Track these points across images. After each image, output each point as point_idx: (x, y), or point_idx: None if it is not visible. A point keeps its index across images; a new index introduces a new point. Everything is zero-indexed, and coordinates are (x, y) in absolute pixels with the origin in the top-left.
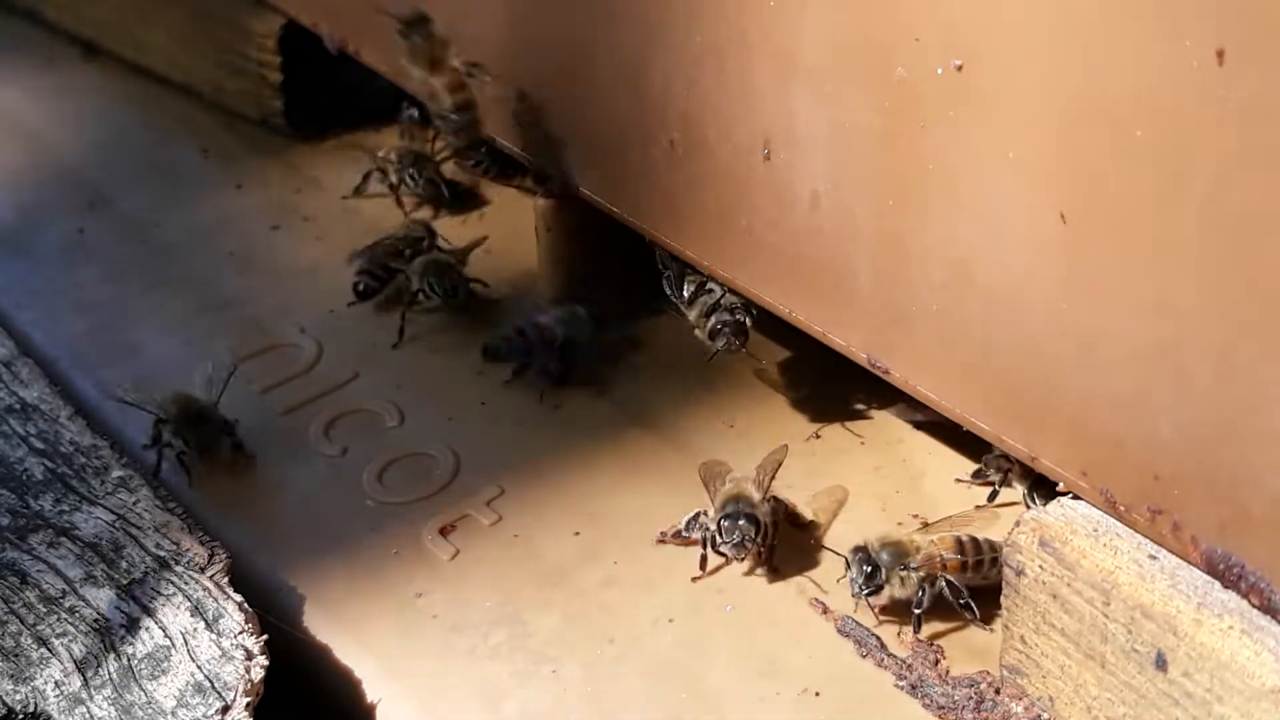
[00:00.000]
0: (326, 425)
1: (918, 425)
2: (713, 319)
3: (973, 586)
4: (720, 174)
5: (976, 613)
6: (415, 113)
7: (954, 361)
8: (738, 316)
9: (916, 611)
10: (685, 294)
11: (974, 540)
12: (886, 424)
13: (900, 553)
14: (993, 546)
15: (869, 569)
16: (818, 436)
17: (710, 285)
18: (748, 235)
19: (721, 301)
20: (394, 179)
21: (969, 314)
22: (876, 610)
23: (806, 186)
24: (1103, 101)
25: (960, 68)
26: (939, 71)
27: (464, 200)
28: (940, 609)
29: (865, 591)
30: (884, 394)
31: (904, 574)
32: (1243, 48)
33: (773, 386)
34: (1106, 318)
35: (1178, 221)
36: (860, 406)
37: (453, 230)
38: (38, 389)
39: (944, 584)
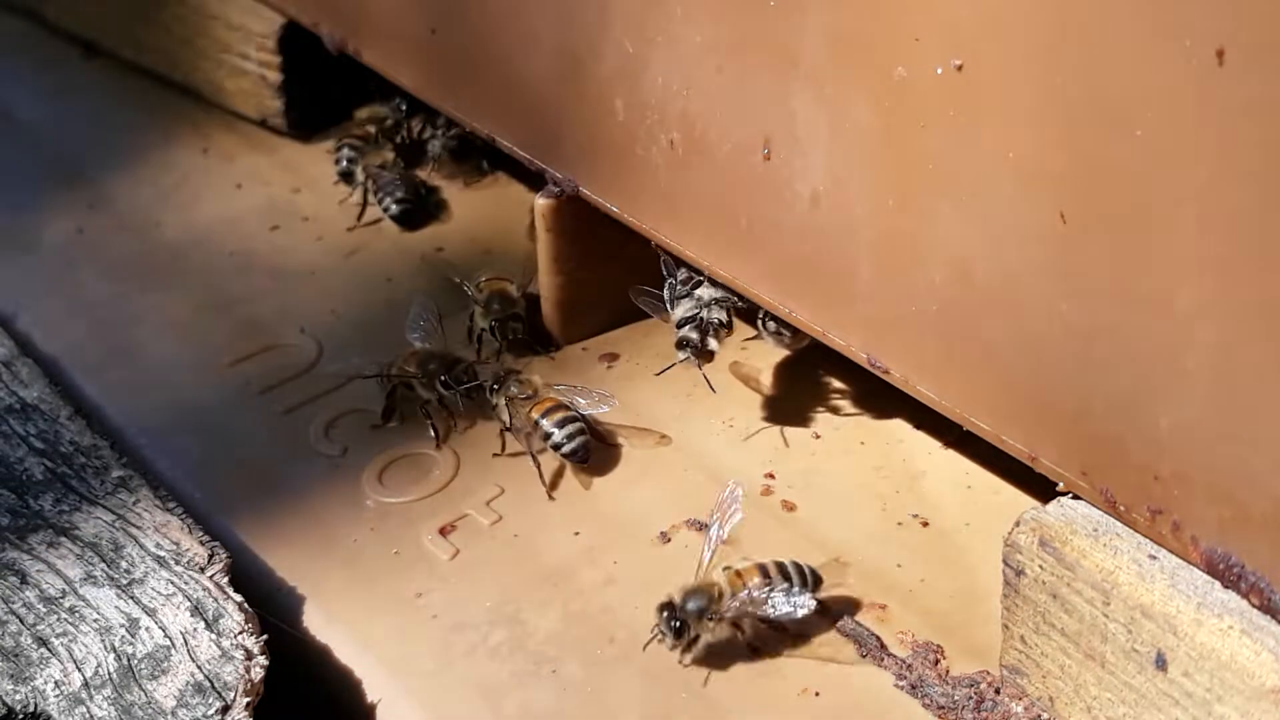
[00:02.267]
0: (326, 425)
1: (917, 425)
2: (681, 331)
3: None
4: (720, 174)
5: (788, 628)
6: (404, 107)
7: (954, 361)
8: (707, 335)
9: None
10: (675, 306)
11: (778, 565)
12: (886, 424)
13: (707, 599)
14: (794, 569)
15: (677, 625)
16: (817, 436)
17: (699, 293)
18: (748, 235)
19: (701, 314)
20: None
21: (969, 314)
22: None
23: (806, 186)
24: (1102, 101)
25: (960, 68)
26: (939, 71)
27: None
28: (940, 609)
29: (680, 648)
30: (884, 394)
31: (711, 623)
32: (1243, 48)
33: (754, 387)
34: (1106, 317)
35: (1177, 221)
36: (860, 406)
37: (456, 234)
38: (37, 389)
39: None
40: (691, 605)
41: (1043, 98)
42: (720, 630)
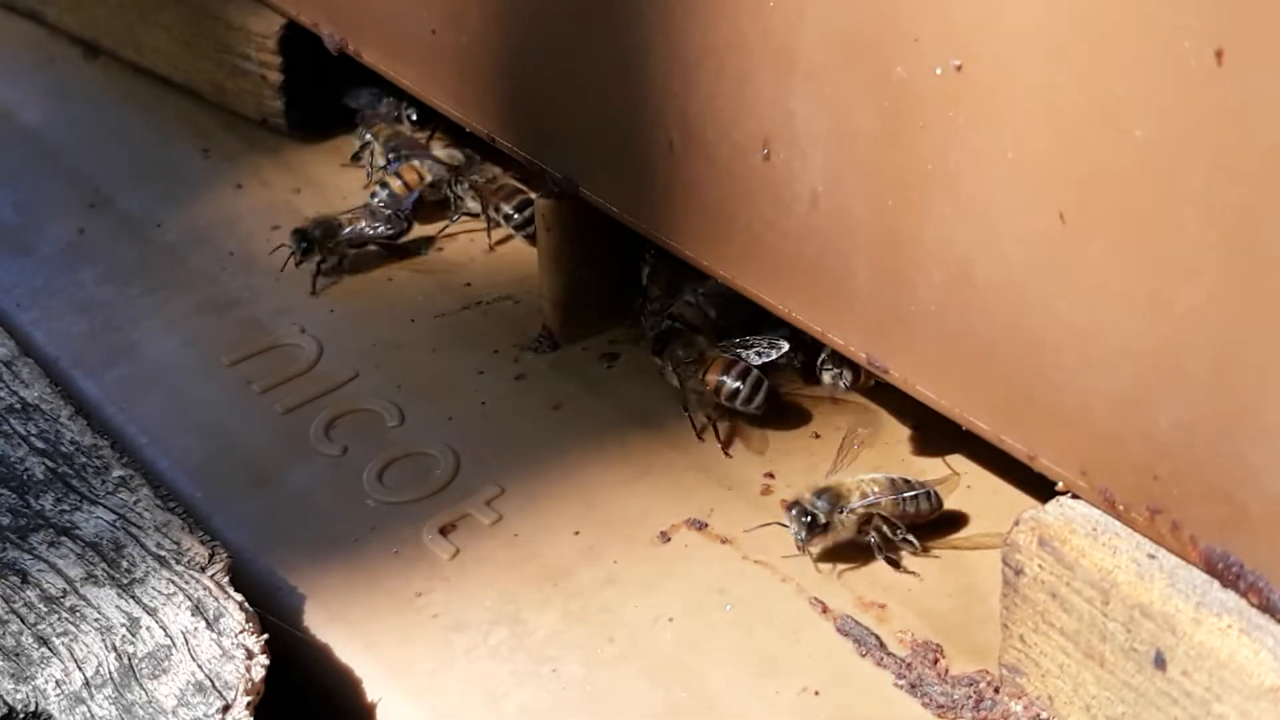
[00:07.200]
0: (326, 425)
1: (917, 425)
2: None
3: (907, 522)
4: (720, 174)
5: (917, 546)
6: (414, 114)
7: (953, 361)
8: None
9: (879, 554)
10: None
11: (905, 480)
12: (887, 424)
13: (836, 496)
14: (918, 484)
15: (808, 519)
16: (817, 436)
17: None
18: (747, 235)
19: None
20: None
21: (968, 313)
22: (815, 557)
23: (806, 186)
24: (1102, 101)
25: (960, 68)
26: (938, 71)
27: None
28: (939, 608)
29: (806, 540)
30: (884, 394)
31: (841, 517)
32: (1243, 48)
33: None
34: (1105, 317)
35: (1177, 221)
36: (860, 406)
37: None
38: (38, 389)
39: (881, 521)
40: (822, 501)
41: (1042, 98)
42: (848, 527)
